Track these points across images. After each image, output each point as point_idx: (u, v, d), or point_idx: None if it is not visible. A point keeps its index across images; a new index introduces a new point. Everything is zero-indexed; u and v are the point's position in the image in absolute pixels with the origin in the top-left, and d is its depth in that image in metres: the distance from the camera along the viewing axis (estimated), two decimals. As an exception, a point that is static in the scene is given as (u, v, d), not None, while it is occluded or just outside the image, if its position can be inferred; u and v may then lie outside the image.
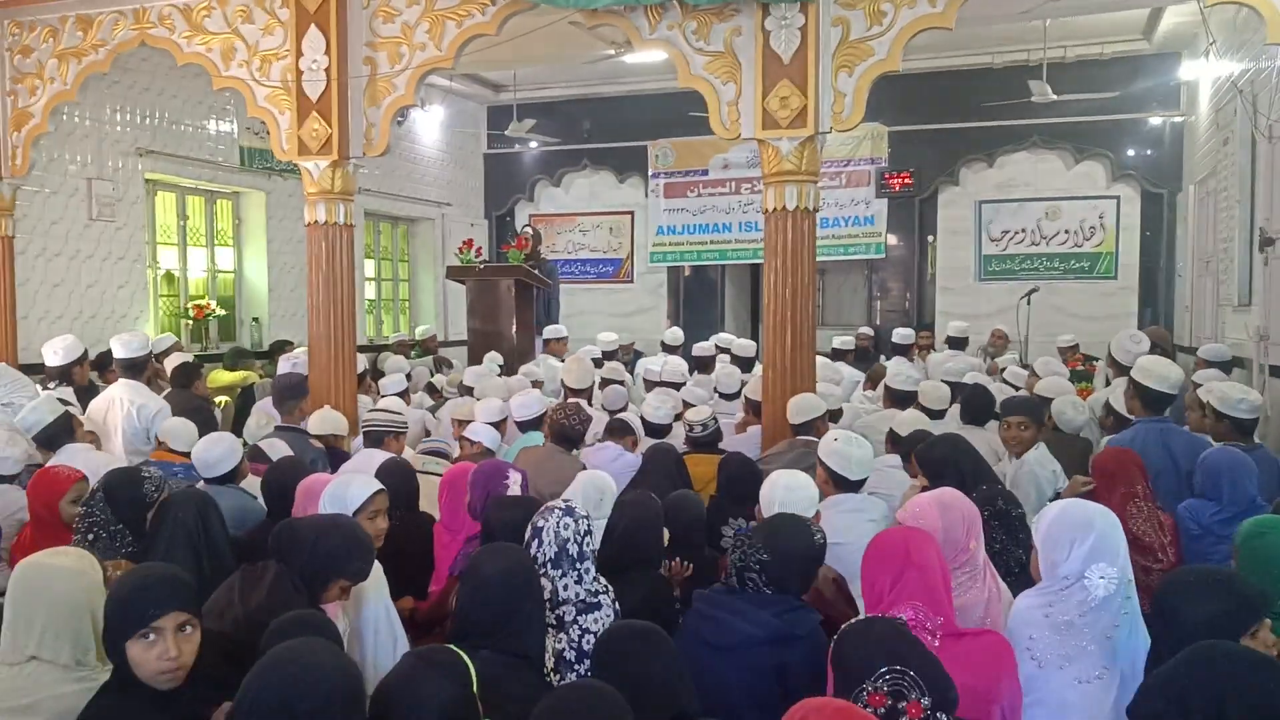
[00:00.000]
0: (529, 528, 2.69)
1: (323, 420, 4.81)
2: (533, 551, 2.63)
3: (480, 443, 4.54)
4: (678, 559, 3.18)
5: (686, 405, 5.40)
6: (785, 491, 3.02)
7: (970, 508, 2.64)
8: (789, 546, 2.56)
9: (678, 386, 6.02)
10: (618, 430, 4.64)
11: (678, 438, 5.13)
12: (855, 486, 3.50)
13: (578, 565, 2.64)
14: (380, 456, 4.01)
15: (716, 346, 7.68)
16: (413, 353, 9.19)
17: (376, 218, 10.51)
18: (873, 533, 2.57)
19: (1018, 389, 5.81)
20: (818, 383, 4.90)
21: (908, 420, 4.32)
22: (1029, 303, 8.63)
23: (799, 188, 4.56)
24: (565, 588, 2.61)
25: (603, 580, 2.72)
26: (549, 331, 7.82)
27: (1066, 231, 9.77)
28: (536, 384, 6.37)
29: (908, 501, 2.79)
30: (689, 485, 3.98)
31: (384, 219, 10.69)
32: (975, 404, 4.98)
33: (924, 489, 3.13)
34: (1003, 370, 6.77)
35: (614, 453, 4.53)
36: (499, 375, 6.64)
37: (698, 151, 10.89)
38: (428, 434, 5.71)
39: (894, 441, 4.28)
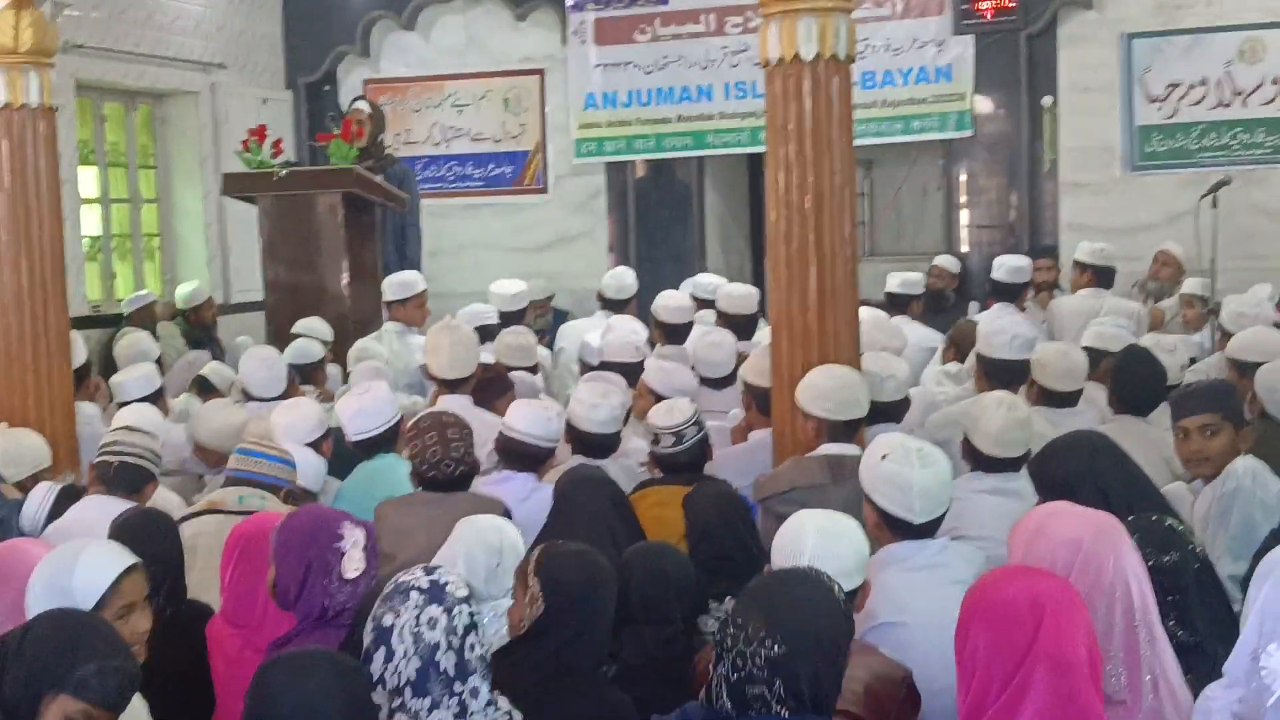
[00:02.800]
0: (368, 625, 2.75)
1: (8, 449, 4.89)
2: (375, 672, 2.69)
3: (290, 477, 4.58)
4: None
5: (652, 397, 5.45)
6: (819, 540, 3.12)
7: (1075, 547, 2.75)
8: (813, 622, 2.60)
9: (629, 369, 6.10)
10: (519, 450, 4.71)
11: (631, 455, 5.21)
12: (924, 530, 3.62)
13: (457, 688, 2.69)
14: (117, 508, 4.03)
15: (693, 298, 7.73)
16: (173, 327, 9.15)
17: (98, 93, 10.37)
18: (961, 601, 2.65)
19: (1195, 357, 5.96)
20: (864, 353, 4.99)
21: (994, 421, 4.39)
22: (1215, 204, 8.75)
23: (821, 20, 4.67)
24: (436, 730, 2.67)
25: (504, 704, 2.77)
26: (395, 286, 7.73)
27: (1276, 83, 9.92)
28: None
29: (1023, 519, 2.88)
30: (639, 537, 4.08)
31: (111, 95, 10.53)
32: (1130, 380, 5.10)
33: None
34: (1172, 319, 6.88)
35: (522, 487, 4.62)
36: (324, 360, 6.69)
37: (650, -37, 10.93)
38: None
39: (977, 458, 4.40)
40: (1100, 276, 8.06)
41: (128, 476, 4.44)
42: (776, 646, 2.53)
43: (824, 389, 4.58)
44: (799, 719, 2.54)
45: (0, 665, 2.52)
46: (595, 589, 3.12)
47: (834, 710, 2.62)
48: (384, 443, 5.00)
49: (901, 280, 8.18)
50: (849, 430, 4.57)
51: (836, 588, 2.70)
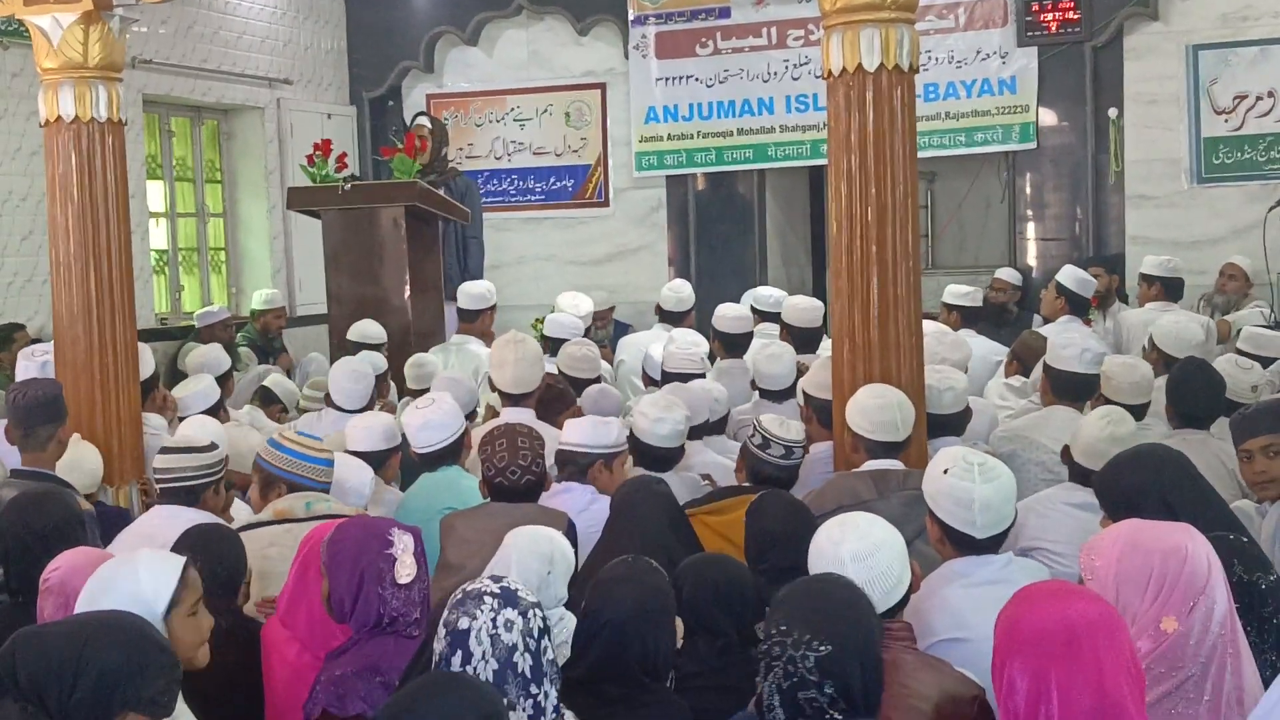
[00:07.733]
0: (440, 631, 2.76)
1: (74, 460, 4.94)
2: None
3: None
4: None
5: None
6: (854, 562, 3.10)
7: (1182, 554, 2.69)
8: (854, 620, 2.67)
9: (690, 380, 6.03)
10: (574, 460, 4.76)
11: (694, 468, 5.20)
12: (987, 545, 3.60)
13: (533, 690, 2.70)
14: (187, 517, 4.07)
15: (754, 310, 7.70)
16: (240, 336, 9.27)
17: (165, 108, 10.50)
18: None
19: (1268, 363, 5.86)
20: (927, 367, 4.95)
21: (1091, 431, 4.38)
22: (1286, 217, 8.69)
23: (884, 31, 4.65)
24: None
25: (571, 717, 2.78)
26: (467, 295, 7.85)
27: (1348, 94, 9.86)
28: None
29: (1101, 538, 2.85)
30: (694, 548, 4.09)
31: (178, 110, 10.67)
32: (1188, 392, 5.03)
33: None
34: (1238, 333, 6.80)
35: (580, 499, 4.64)
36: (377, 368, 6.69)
37: (711, -23, 10.96)
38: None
39: (1073, 468, 4.43)
40: (1168, 289, 7.98)
41: (178, 499, 4.35)
42: (823, 646, 2.61)
43: (865, 407, 4.55)
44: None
45: (62, 683, 2.53)
46: (616, 611, 3.11)
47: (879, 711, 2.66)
48: (448, 455, 5.01)
49: (963, 293, 8.13)
50: (887, 450, 4.52)
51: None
